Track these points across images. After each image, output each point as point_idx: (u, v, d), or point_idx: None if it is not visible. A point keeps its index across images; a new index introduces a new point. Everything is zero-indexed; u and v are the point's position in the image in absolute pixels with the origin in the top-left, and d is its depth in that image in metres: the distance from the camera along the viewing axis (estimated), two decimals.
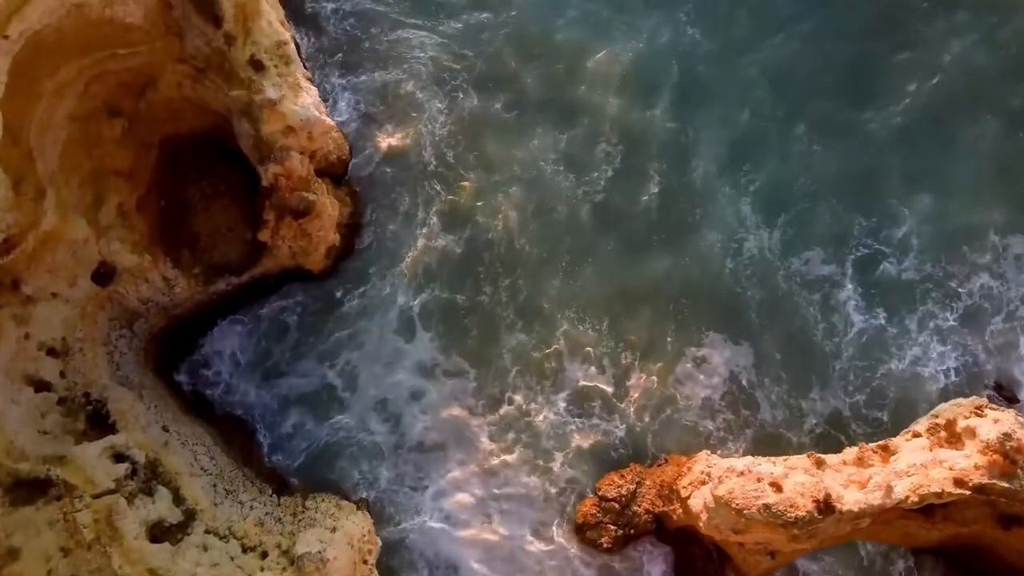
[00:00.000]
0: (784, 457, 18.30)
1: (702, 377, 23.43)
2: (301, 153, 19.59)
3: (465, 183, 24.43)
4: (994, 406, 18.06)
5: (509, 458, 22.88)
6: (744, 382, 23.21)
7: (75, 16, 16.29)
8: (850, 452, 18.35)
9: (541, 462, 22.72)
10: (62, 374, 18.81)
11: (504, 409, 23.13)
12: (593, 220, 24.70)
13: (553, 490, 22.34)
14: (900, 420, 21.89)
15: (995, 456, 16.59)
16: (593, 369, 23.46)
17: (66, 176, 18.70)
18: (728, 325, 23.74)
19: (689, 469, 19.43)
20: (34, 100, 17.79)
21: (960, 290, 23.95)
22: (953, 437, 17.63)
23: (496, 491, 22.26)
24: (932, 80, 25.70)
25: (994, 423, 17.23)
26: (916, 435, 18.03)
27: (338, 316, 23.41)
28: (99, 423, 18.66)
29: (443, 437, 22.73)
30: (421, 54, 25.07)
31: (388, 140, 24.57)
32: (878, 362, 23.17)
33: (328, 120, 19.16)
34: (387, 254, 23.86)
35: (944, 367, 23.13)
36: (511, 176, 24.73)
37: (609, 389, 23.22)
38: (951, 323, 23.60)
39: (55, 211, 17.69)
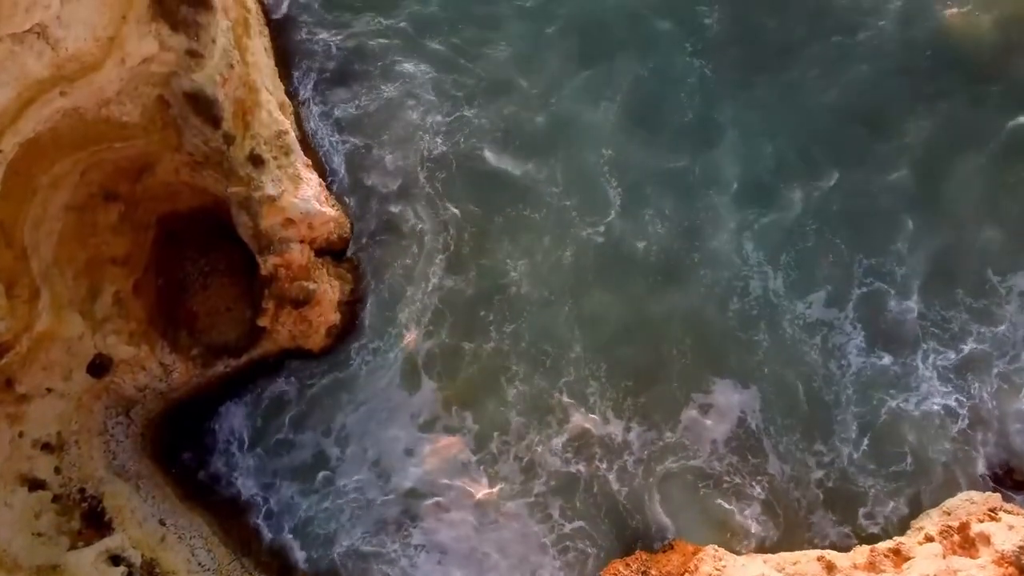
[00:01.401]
0: (793, 560, 17.93)
1: (709, 422, 22.95)
2: (301, 242, 19.21)
3: (466, 233, 24.01)
4: (1008, 508, 17.70)
5: (507, 509, 22.59)
6: (751, 429, 22.59)
7: (71, 118, 15.91)
8: (861, 553, 17.98)
9: (540, 515, 22.37)
10: (57, 470, 18.46)
11: (504, 462, 22.66)
12: (596, 261, 24.19)
13: (553, 546, 21.78)
14: (908, 470, 21.58)
15: (1011, 569, 16.22)
16: (597, 418, 23.08)
17: (61, 269, 18.32)
18: (734, 369, 23.15)
19: (696, 567, 19.06)
20: (29, 197, 17.40)
21: (964, 330, 23.24)
22: (967, 543, 17.28)
23: (493, 538, 21.80)
24: (932, 122, 25.19)
25: (1009, 529, 16.88)
26: (929, 539, 17.67)
27: (340, 383, 23.02)
28: (95, 521, 18.32)
29: (442, 492, 22.27)
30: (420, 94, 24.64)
31: (388, 198, 24.10)
32: (882, 404, 22.48)
33: (329, 211, 18.79)
34: (390, 312, 23.29)
35: (950, 410, 22.43)
36: (513, 218, 24.31)
37: (613, 438, 22.69)
38: (955, 364, 22.93)
39: (49, 311, 17.33)
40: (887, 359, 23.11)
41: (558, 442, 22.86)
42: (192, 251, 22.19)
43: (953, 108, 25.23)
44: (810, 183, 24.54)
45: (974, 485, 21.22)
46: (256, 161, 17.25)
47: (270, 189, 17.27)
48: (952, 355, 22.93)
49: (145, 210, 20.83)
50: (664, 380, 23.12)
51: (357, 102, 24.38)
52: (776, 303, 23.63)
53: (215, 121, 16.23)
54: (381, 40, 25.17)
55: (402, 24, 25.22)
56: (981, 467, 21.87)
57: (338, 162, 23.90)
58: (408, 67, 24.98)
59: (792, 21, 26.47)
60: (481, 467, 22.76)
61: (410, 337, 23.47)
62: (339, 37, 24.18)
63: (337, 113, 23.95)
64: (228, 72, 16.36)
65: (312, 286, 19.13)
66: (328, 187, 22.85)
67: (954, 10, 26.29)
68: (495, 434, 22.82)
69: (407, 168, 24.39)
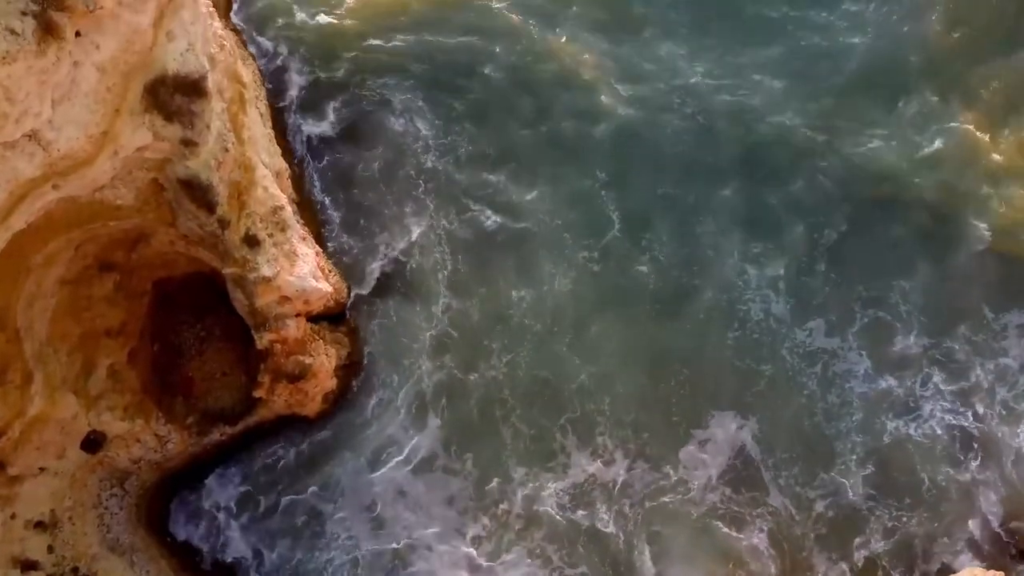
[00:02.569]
0: None
1: (706, 456, 22.93)
2: (297, 316, 19.04)
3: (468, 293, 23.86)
4: None
5: (506, 558, 22.43)
6: (751, 462, 22.46)
7: (64, 202, 15.70)
8: None
9: (540, 562, 22.19)
10: (50, 548, 18.31)
11: (503, 505, 22.50)
12: (594, 291, 24.01)
13: None
14: (914, 503, 21.73)
15: None
16: (598, 459, 22.95)
17: (54, 347, 18.14)
18: (734, 401, 22.96)
19: None
20: (23, 277, 17.20)
21: (966, 361, 23.17)
22: None
23: None
24: None
25: None
26: None
27: (336, 442, 22.92)
28: None
29: (439, 539, 22.13)
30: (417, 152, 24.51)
31: (386, 250, 23.94)
32: (883, 433, 22.41)
33: (325, 286, 18.59)
34: (387, 367, 23.19)
35: (955, 439, 22.41)
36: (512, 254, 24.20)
37: (615, 479, 22.54)
38: (957, 394, 22.88)
39: (43, 394, 17.16)
40: (890, 386, 22.98)
41: (558, 486, 22.74)
42: (188, 315, 22.01)
43: None
44: (814, 212, 24.33)
45: (981, 524, 21.59)
46: (251, 242, 17.06)
47: (265, 270, 17.08)
48: (957, 385, 22.86)
49: (140, 277, 20.66)
50: (664, 413, 22.92)
51: (354, 156, 24.25)
52: (776, 330, 23.42)
53: (210, 207, 16.04)
54: (381, 93, 25.05)
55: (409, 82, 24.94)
56: (988, 502, 21.95)
57: (335, 218, 23.79)
58: (403, 122, 24.84)
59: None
60: (480, 512, 22.67)
61: (408, 390, 23.45)
62: (338, 102, 23.93)
63: (332, 171, 23.80)
64: (223, 156, 16.18)
65: (308, 360, 18.98)
66: (324, 245, 22.77)
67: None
68: (496, 480, 22.63)
69: (404, 220, 24.29)
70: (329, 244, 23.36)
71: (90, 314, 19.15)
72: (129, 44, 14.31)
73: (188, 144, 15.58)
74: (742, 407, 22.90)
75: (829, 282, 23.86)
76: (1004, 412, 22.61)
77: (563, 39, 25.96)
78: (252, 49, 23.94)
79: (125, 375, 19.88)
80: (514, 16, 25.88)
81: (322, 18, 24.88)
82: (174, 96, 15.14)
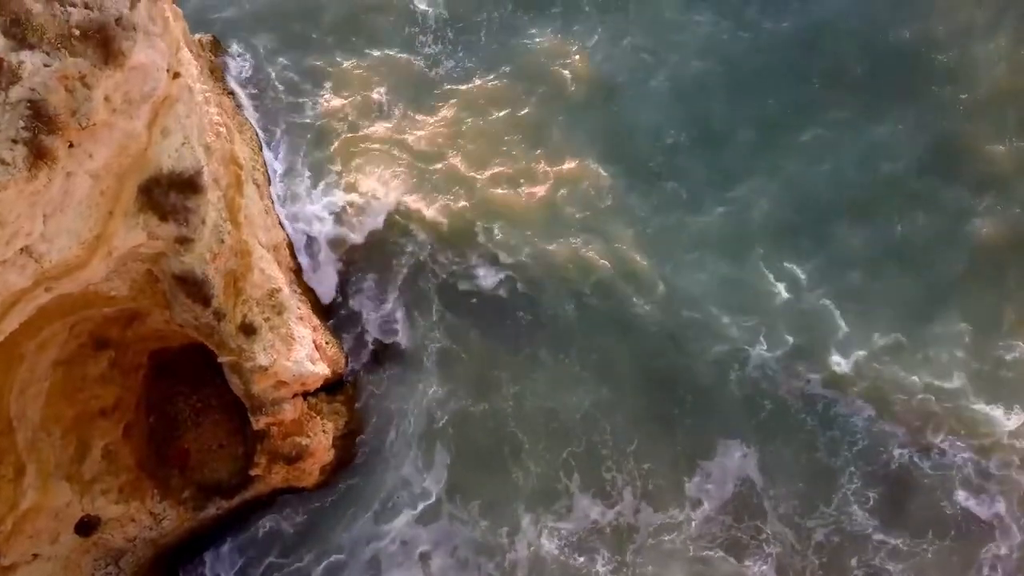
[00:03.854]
0: None
1: (711, 487, 22.82)
2: (294, 396, 18.83)
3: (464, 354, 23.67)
4: None
5: None
6: (755, 493, 22.35)
7: (58, 298, 15.48)
8: None
9: None
10: None
11: (511, 552, 22.30)
12: (595, 324, 23.89)
13: None
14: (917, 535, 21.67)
15: None
16: (601, 502, 22.71)
17: (48, 431, 17.91)
18: (735, 434, 22.90)
19: None
20: (16, 365, 17.00)
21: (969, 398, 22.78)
22: None
23: None
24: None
25: None
26: None
27: (335, 508, 22.73)
28: None
29: None
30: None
31: (383, 316, 23.80)
32: (888, 465, 22.25)
33: (322, 369, 18.37)
34: (386, 429, 23.12)
35: (960, 475, 22.29)
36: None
37: (622, 520, 22.43)
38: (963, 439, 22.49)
39: (35, 486, 16.96)
40: (893, 433, 22.75)
41: (565, 528, 22.47)
42: (184, 385, 21.81)
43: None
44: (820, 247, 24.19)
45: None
46: (248, 331, 16.86)
47: (262, 359, 16.88)
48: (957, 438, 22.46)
49: (136, 351, 20.44)
50: (668, 446, 22.85)
51: (349, 227, 24.02)
52: (774, 374, 23.25)
53: (205, 301, 15.84)
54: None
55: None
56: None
57: (330, 285, 23.57)
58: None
59: None
60: (488, 560, 22.50)
61: (409, 456, 23.30)
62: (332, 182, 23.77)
63: (328, 240, 23.61)
64: (218, 247, 15.97)
65: (305, 441, 18.78)
66: (323, 315, 22.56)
67: None
68: (503, 530, 22.51)
69: (400, 284, 24.11)
70: (328, 311, 23.24)
71: (84, 395, 18.92)
72: (123, 149, 14.09)
73: (183, 241, 15.37)
74: (746, 437, 22.77)
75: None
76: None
77: None
78: (248, 111, 23.72)
79: (120, 453, 19.66)
80: None
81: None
82: (169, 194, 14.93)
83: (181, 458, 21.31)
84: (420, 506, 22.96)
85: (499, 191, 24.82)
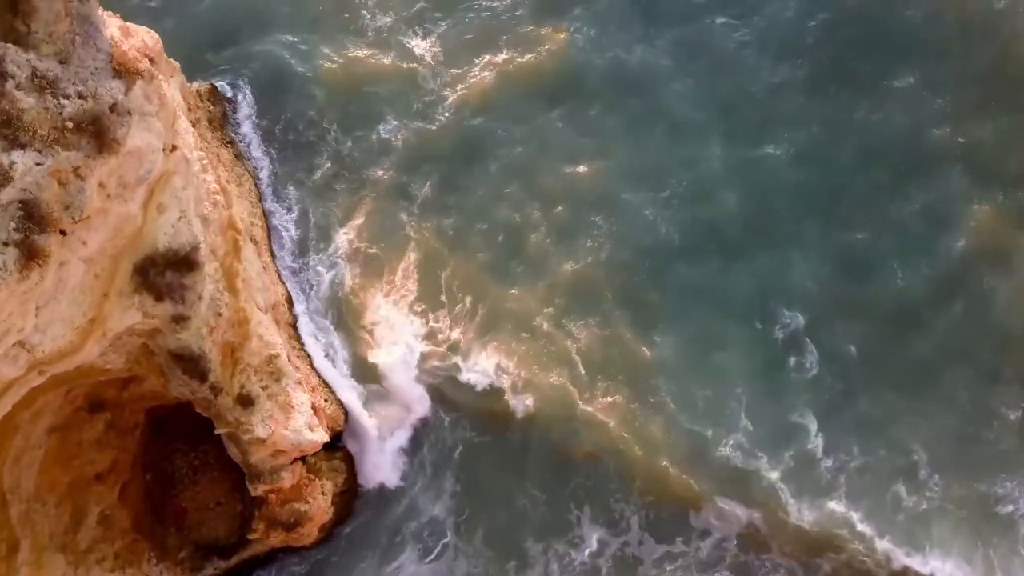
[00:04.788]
0: None
1: (715, 522, 22.63)
2: (293, 462, 18.55)
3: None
4: None
5: None
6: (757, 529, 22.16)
7: (51, 375, 15.20)
8: None
9: None
10: None
11: None
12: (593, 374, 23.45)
13: None
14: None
15: None
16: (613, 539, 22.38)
17: (42, 499, 17.64)
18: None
19: None
20: (10, 436, 16.70)
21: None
22: None
23: None
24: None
25: None
26: None
27: (338, 560, 22.52)
28: None
29: None
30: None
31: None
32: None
33: (320, 437, 18.09)
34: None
35: None
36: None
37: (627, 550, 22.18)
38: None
39: (29, 561, 16.67)
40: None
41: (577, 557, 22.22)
42: (181, 442, 21.53)
43: None
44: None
45: None
46: (245, 402, 16.59)
47: (260, 432, 16.61)
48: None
49: (133, 410, 20.16)
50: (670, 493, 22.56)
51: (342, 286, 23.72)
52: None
53: (202, 376, 15.58)
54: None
55: None
56: None
57: (326, 340, 23.27)
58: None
59: None
60: None
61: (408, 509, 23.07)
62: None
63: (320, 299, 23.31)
64: (216, 321, 15.68)
65: (304, 507, 18.52)
66: (321, 371, 22.30)
67: None
68: (511, 565, 22.21)
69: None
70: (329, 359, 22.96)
71: (79, 460, 18.64)
72: (118, 231, 13.81)
73: (179, 319, 15.08)
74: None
75: None
76: None
77: None
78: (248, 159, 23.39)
79: (115, 517, 19.39)
80: None
81: None
82: (165, 274, 14.64)
83: (178, 517, 21.03)
84: (425, 543, 22.71)
85: None
